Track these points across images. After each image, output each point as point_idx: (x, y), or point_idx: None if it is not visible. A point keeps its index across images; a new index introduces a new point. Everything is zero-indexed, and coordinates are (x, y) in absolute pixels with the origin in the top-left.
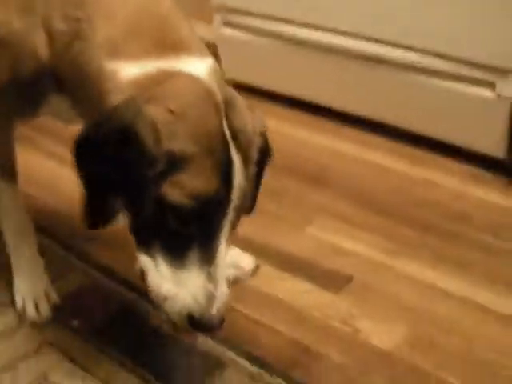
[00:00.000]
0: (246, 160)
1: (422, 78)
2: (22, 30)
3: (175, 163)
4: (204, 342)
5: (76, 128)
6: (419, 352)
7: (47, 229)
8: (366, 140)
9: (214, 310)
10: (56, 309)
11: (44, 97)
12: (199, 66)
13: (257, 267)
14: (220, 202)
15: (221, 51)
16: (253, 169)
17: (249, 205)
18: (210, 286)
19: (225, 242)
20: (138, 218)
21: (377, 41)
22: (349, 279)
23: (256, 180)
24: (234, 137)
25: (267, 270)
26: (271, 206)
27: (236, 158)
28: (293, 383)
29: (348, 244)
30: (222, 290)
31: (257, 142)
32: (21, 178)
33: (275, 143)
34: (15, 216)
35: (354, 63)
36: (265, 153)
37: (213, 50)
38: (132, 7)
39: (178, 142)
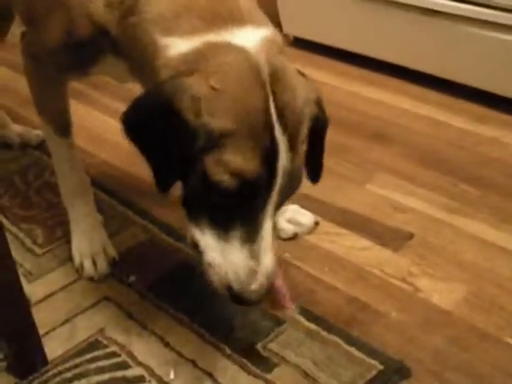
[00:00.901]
0: (293, 139)
1: (482, 32)
2: None
3: (215, 139)
4: None
5: (131, 86)
6: (480, 312)
7: (106, 184)
8: (427, 97)
9: (254, 286)
10: (114, 264)
11: (100, 57)
12: (250, 38)
13: (316, 224)
14: (262, 184)
15: (281, 6)
16: (302, 147)
17: (298, 186)
18: (252, 263)
19: (270, 220)
20: (188, 189)
21: None
22: (409, 237)
23: (318, 149)
24: (281, 115)
25: (327, 226)
26: (332, 162)
27: (281, 141)
28: (351, 341)
29: (408, 201)
30: (266, 267)
31: (309, 112)
32: (77, 134)
33: (337, 100)
34: (71, 172)
35: (414, 16)
36: (320, 122)
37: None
38: None
39: (218, 119)
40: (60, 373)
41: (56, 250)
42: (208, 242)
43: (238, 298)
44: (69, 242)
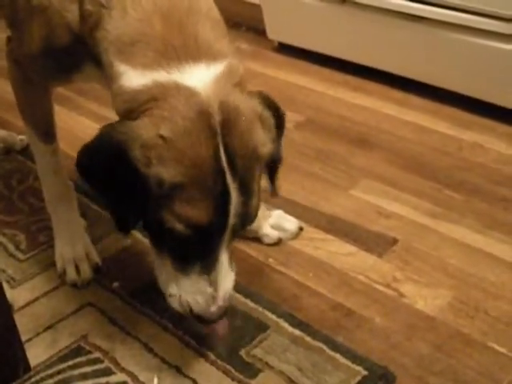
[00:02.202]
0: (245, 183)
1: (466, 38)
2: (59, 2)
3: (166, 190)
4: (245, 304)
5: None
6: (464, 317)
7: (89, 190)
8: (412, 102)
9: (214, 308)
10: (97, 270)
11: (81, 65)
12: (202, 77)
13: (300, 229)
14: (215, 229)
15: (266, 12)
16: (256, 185)
17: (253, 221)
18: (210, 290)
19: (226, 251)
20: (147, 224)
21: None
22: (393, 242)
23: (273, 176)
24: (232, 162)
25: (311, 232)
26: (316, 168)
27: (232, 187)
28: (335, 347)
29: (393, 207)
30: (225, 292)
31: (265, 152)
32: (62, 139)
33: (322, 106)
34: (54, 177)
35: (399, 22)
36: (275, 160)
37: None
38: (150, 6)
39: (168, 170)
40: (43, 379)
41: (39, 256)
42: (168, 272)
43: (200, 319)
44: (52, 247)
